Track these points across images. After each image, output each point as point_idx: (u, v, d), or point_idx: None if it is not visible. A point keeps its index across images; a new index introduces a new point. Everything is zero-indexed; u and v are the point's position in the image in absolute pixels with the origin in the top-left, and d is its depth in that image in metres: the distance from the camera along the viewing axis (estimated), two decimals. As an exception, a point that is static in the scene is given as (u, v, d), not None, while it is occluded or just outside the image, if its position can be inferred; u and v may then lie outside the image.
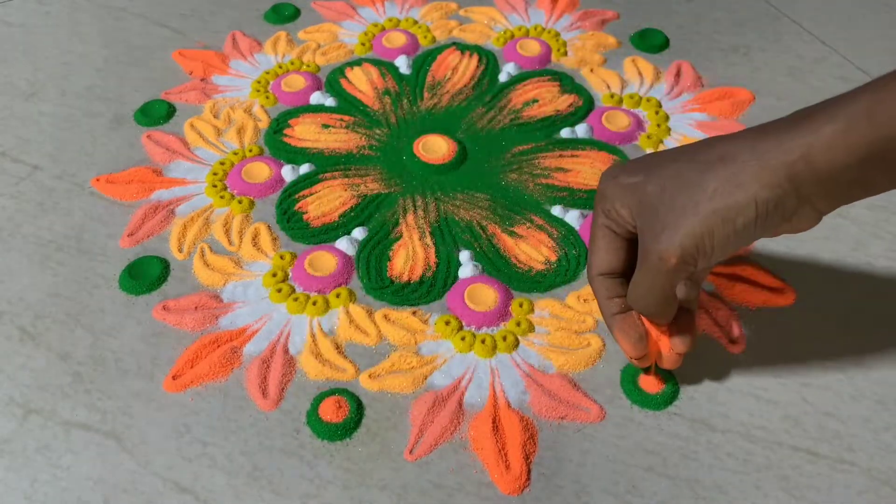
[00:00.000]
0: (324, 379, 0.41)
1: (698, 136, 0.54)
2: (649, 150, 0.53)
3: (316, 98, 0.57)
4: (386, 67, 0.60)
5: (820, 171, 0.31)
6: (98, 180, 0.51)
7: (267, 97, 0.57)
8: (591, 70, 0.59)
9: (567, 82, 0.59)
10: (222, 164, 0.52)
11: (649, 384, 0.40)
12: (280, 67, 0.60)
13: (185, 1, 0.67)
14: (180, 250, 0.47)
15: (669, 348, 0.38)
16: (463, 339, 0.42)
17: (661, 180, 0.34)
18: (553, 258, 0.47)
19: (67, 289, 0.45)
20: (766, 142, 0.32)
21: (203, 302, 0.44)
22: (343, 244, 0.47)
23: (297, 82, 0.58)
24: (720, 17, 0.65)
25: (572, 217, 0.49)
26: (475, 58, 0.61)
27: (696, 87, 0.58)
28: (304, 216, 0.49)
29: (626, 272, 0.37)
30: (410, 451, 0.38)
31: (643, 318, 0.38)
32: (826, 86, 0.58)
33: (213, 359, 0.42)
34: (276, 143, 0.54)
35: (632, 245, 0.37)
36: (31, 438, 0.39)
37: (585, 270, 0.41)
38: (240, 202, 0.50)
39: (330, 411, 0.39)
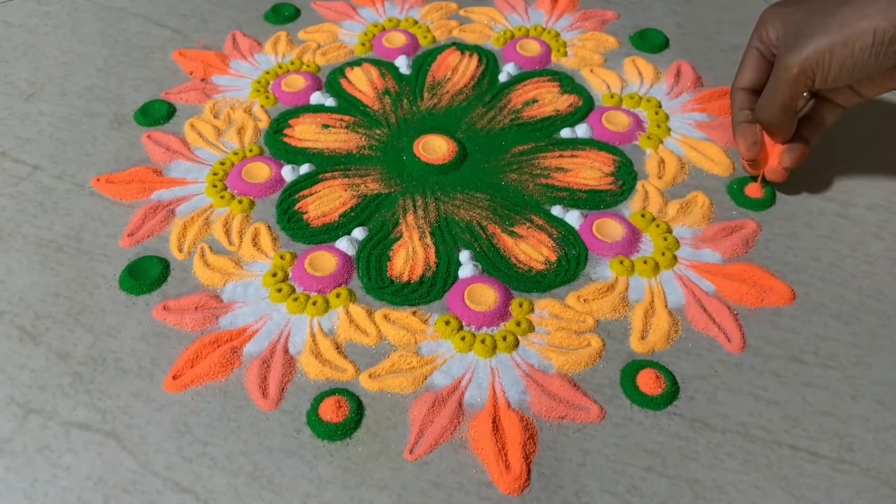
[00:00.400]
0: (324, 379, 0.41)
1: (698, 136, 0.54)
2: (649, 151, 0.53)
3: (316, 98, 0.57)
4: (386, 67, 0.60)
5: None
6: (98, 180, 0.51)
7: (267, 97, 0.57)
8: (591, 70, 0.59)
9: (567, 82, 0.59)
10: (222, 164, 0.52)
11: (651, 387, 0.40)
12: (280, 67, 0.60)
13: (185, 1, 0.67)
14: (180, 250, 0.47)
15: (778, 161, 0.47)
16: (463, 339, 0.42)
17: (809, 10, 0.41)
18: (553, 258, 0.47)
19: (67, 289, 0.45)
20: None
21: (203, 302, 0.44)
22: (343, 244, 0.47)
23: (297, 82, 0.58)
24: (720, 17, 0.65)
25: (572, 217, 0.49)
26: (475, 58, 0.61)
27: (696, 87, 0.58)
28: (304, 216, 0.49)
29: (761, 91, 0.45)
30: (410, 451, 0.38)
31: (764, 132, 0.47)
32: (826, 86, 0.58)
33: (213, 359, 0.42)
34: (276, 143, 0.54)
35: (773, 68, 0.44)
36: (31, 438, 0.39)
37: (732, 86, 0.48)
38: (240, 202, 0.50)
39: (330, 411, 0.39)
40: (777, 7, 0.44)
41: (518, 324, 0.43)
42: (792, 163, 0.47)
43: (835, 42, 0.39)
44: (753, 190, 0.49)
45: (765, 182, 0.49)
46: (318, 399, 0.40)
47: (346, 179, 0.52)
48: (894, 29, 0.37)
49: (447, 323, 0.43)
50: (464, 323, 0.43)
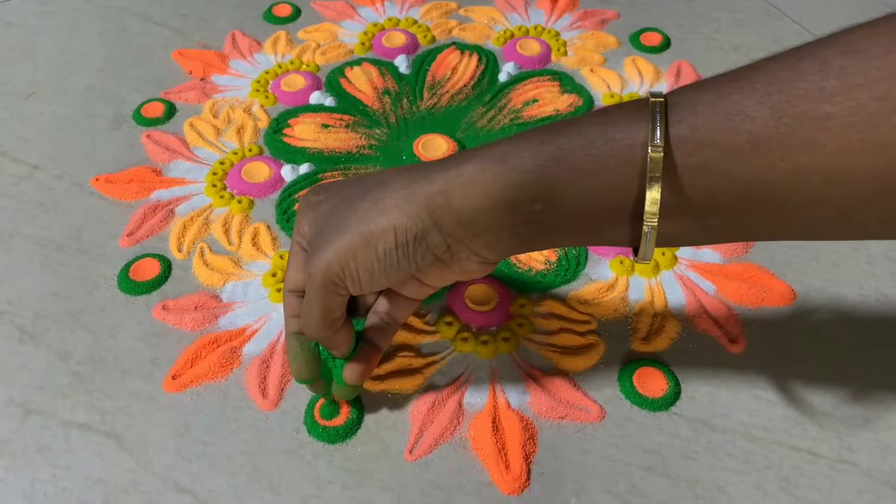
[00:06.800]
0: (324, 379, 0.41)
1: (698, 135, 0.54)
2: (649, 150, 0.53)
3: (316, 98, 0.57)
4: (386, 67, 0.60)
5: (457, 209, 0.30)
6: (98, 180, 0.51)
7: (266, 97, 0.57)
8: (591, 70, 0.59)
9: (567, 82, 0.59)
10: (222, 163, 0.52)
11: (651, 388, 0.40)
12: (280, 67, 0.60)
13: (185, 1, 0.67)
14: (180, 250, 0.47)
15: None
16: (463, 339, 0.42)
17: (334, 201, 0.34)
18: (553, 258, 0.47)
19: (67, 289, 0.45)
20: (420, 173, 0.31)
21: (203, 302, 0.44)
22: (343, 244, 0.47)
23: (296, 82, 0.58)
24: (720, 17, 0.65)
25: (572, 217, 0.49)
26: (475, 57, 0.61)
27: (696, 87, 0.58)
28: (304, 216, 0.49)
29: None
30: (410, 451, 0.38)
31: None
32: (826, 85, 0.58)
33: (213, 359, 0.42)
34: (276, 143, 0.54)
35: None
36: (31, 438, 0.39)
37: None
38: (239, 202, 0.50)
39: (330, 412, 0.39)
40: (309, 196, 0.35)
41: (518, 324, 0.43)
42: (358, 379, 0.37)
43: (356, 244, 0.31)
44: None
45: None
46: (316, 398, 0.40)
47: (346, 179, 0.51)
48: (416, 226, 0.30)
49: (447, 323, 0.43)
50: (464, 323, 0.43)
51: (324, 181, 0.51)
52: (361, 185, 0.33)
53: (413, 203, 0.31)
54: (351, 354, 0.37)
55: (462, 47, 0.61)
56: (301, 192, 0.50)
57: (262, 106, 0.57)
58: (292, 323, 0.37)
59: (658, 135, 0.27)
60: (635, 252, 0.30)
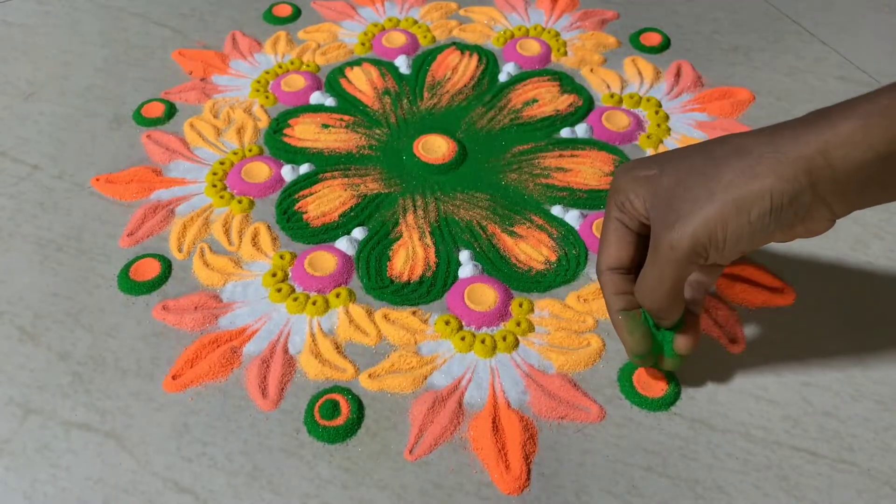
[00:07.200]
0: (323, 379, 0.41)
1: (698, 136, 0.54)
2: (649, 151, 0.53)
3: (316, 98, 0.57)
4: (386, 67, 0.60)
5: (837, 168, 0.30)
6: (98, 180, 0.51)
7: (267, 97, 0.57)
8: (591, 70, 0.59)
9: (567, 82, 0.59)
10: (222, 163, 0.52)
11: (651, 387, 0.40)
12: (280, 67, 0.60)
13: (185, 1, 0.67)
14: (180, 250, 0.47)
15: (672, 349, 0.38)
16: (463, 338, 0.42)
17: (677, 173, 0.34)
18: (553, 258, 0.47)
19: (67, 289, 0.45)
20: (783, 136, 0.32)
21: (203, 302, 0.44)
22: (343, 244, 0.47)
23: (296, 82, 0.58)
24: (720, 17, 0.65)
25: (572, 217, 0.49)
26: (475, 58, 0.61)
27: (696, 87, 0.58)
28: (304, 216, 0.49)
29: (634, 269, 0.37)
30: (410, 451, 0.38)
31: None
32: (826, 86, 0.58)
33: (213, 359, 0.42)
34: (276, 143, 0.54)
35: (642, 241, 0.37)
36: (31, 438, 0.39)
37: (596, 266, 0.40)
38: (239, 202, 0.50)
39: (329, 411, 0.39)
40: (633, 171, 0.36)
41: (518, 324, 0.43)
42: (690, 349, 0.38)
43: (727, 212, 0.32)
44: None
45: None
46: (316, 398, 0.40)
47: (346, 179, 0.51)
48: (792, 189, 0.31)
49: (447, 323, 0.43)
50: (464, 323, 0.43)
51: (324, 180, 0.51)
52: (708, 155, 0.33)
53: (788, 166, 0.31)
54: (678, 325, 0.37)
55: (462, 47, 0.61)
56: (301, 192, 0.50)
57: (262, 106, 0.57)
58: (617, 301, 0.37)
59: None
60: None
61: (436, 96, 0.58)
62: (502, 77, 0.59)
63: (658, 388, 0.40)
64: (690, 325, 0.38)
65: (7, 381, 0.41)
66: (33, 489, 0.37)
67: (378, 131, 0.55)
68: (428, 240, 0.48)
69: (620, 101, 0.57)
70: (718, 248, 0.32)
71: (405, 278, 0.46)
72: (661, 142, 0.54)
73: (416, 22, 0.64)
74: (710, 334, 0.43)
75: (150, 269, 0.46)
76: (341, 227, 0.49)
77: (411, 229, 0.48)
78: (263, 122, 0.56)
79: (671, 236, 0.33)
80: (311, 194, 0.50)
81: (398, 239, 0.48)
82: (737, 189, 0.31)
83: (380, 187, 0.51)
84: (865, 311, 0.44)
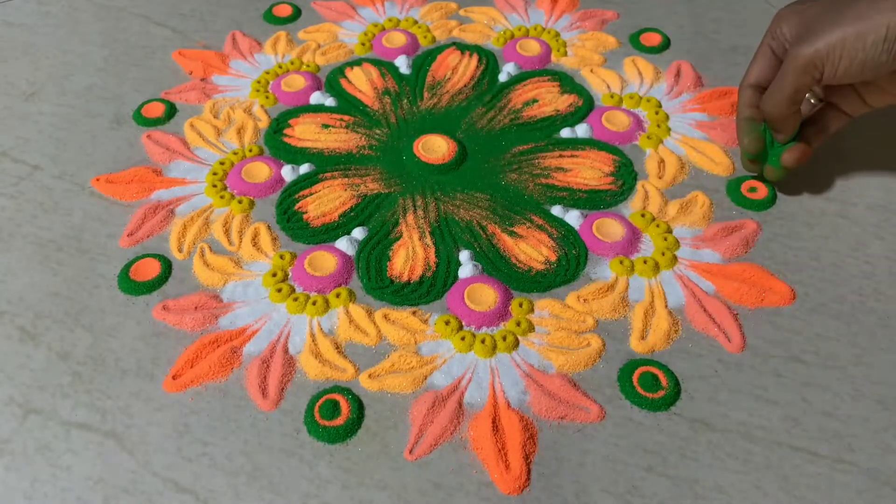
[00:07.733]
0: (324, 379, 0.41)
1: (699, 136, 0.54)
2: (649, 151, 0.53)
3: (316, 98, 0.57)
4: (386, 67, 0.60)
5: None
6: (98, 180, 0.51)
7: (267, 97, 0.57)
8: (591, 70, 0.59)
9: (567, 82, 0.59)
10: (222, 163, 0.52)
11: (651, 387, 0.40)
12: (280, 67, 0.60)
13: (185, 1, 0.67)
14: (180, 250, 0.47)
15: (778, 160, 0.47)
16: (463, 338, 0.42)
17: (824, 6, 0.42)
18: (553, 258, 0.47)
19: (67, 289, 0.45)
20: None
21: (203, 302, 0.44)
22: (343, 244, 0.47)
23: (297, 82, 0.58)
24: (720, 17, 0.65)
25: (572, 217, 0.49)
26: (475, 58, 0.61)
27: (696, 87, 0.58)
28: (304, 216, 0.49)
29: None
30: (410, 451, 0.38)
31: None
32: (826, 86, 0.58)
33: (213, 359, 0.42)
34: (276, 143, 0.54)
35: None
36: (31, 438, 0.39)
37: (740, 83, 0.48)
38: (240, 202, 0.50)
39: (329, 411, 0.39)
40: (793, 5, 0.45)
41: (518, 324, 0.43)
42: (793, 163, 0.47)
43: (847, 34, 0.39)
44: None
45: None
46: (316, 398, 0.40)
47: (346, 179, 0.52)
48: None
49: (447, 323, 0.43)
50: (464, 323, 0.43)
51: (324, 180, 0.51)
52: None
53: None
54: (791, 142, 0.47)
55: (462, 47, 0.61)
56: (301, 192, 0.50)
57: (262, 106, 0.57)
58: (747, 110, 0.47)
59: None
60: None
61: (436, 96, 0.58)
62: (502, 77, 0.59)
63: (658, 388, 0.40)
64: (801, 146, 0.46)
65: (7, 381, 0.41)
66: (33, 489, 0.37)
67: (378, 131, 0.55)
68: (428, 240, 0.48)
69: (620, 101, 0.57)
70: (834, 66, 0.40)
71: (405, 278, 0.46)
72: (662, 142, 0.54)
73: (416, 22, 0.64)
74: (710, 334, 0.43)
75: (151, 269, 0.46)
76: (341, 227, 0.49)
77: (411, 229, 0.48)
78: (263, 123, 0.56)
79: (798, 48, 0.41)
80: (311, 194, 0.50)
81: (398, 239, 0.48)
82: (861, 19, 0.39)
83: (380, 187, 0.51)
84: (865, 311, 0.44)
